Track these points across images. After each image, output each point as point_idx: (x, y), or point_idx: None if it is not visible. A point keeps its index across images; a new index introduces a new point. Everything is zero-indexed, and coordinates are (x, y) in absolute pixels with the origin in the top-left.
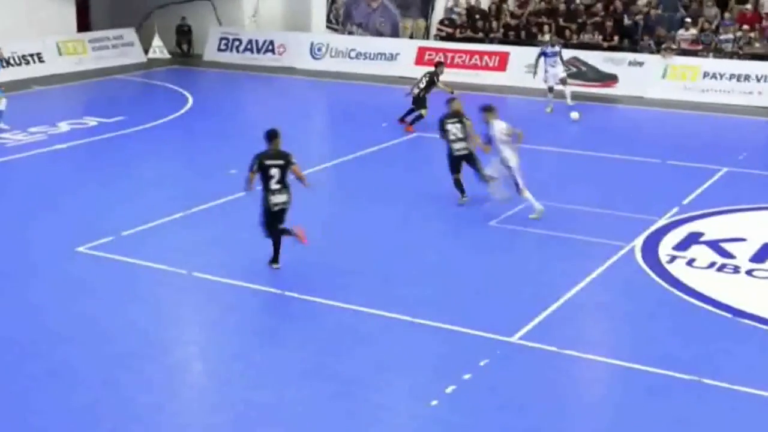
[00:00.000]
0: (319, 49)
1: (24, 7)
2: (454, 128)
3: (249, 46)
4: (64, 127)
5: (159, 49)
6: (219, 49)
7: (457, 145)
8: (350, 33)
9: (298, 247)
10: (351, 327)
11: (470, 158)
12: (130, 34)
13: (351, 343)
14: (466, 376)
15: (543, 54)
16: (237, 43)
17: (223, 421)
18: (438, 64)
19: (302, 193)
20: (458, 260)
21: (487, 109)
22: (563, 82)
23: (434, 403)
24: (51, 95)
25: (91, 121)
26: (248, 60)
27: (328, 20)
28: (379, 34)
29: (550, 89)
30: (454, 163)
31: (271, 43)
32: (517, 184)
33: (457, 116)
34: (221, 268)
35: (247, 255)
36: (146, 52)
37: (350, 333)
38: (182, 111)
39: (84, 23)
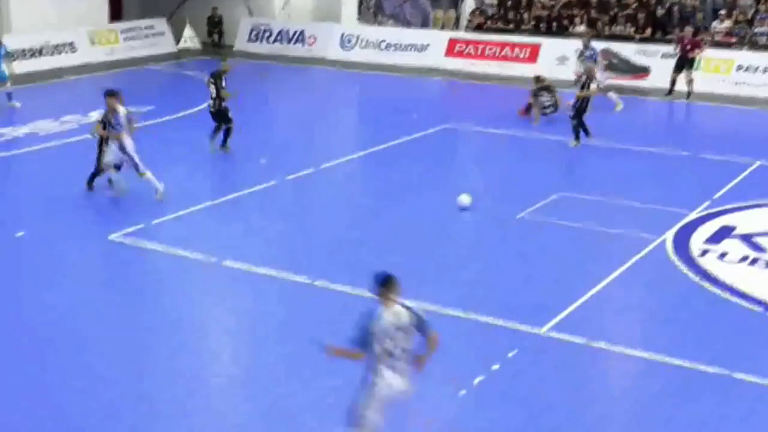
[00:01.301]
0: (350, 40)
1: None
2: None
3: (279, 37)
4: (95, 116)
5: (190, 39)
6: (249, 40)
7: None
8: (380, 24)
9: (329, 238)
10: None
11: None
12: (161, 24)
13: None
14: (495, 367)
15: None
16: (267, 33)
17: (254, 410)
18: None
19: (335, 186)
20: (488, 252)
21: (111, 95)
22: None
23: (462, 393)
24: (83, 85)
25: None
26: (278, 50)
27: (359, 11)
28: (410, 25)
29: (606, 89)
30: None
31: (302, 33)
32: (136, 166)
33: None
34: (251, 256)
35: (277, 244)
36: (177, 42)
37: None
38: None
39: (116, 13)
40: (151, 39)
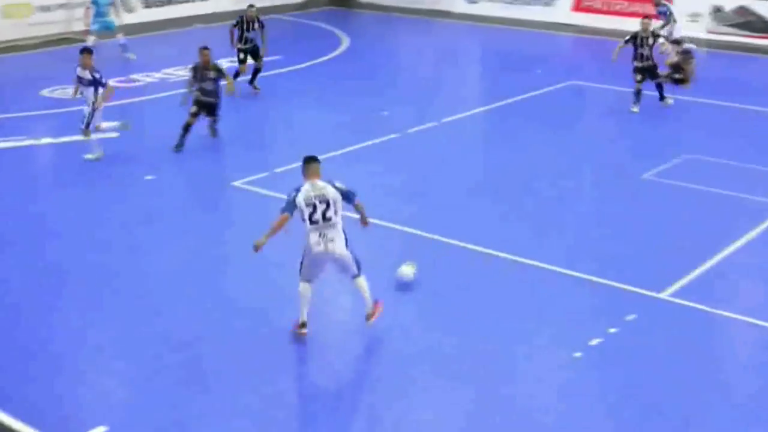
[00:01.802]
0: None
1: None
2: None
3: None
4: (224, 64)
5: None
6: None
7: None
8: None
9: (449, 192)
10: (500, 275)
11: None
12: None
13: (498, 291)
14: (612, 330)
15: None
16: None
17: (374, 369)
18: None
19: (457, 140)
20: (610, 212)
21: (85, 51)
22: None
23: (578, 354)
24: (211, 33)
25: (249, 59)
26: (404, 2)
27: None
28: None
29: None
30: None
31: None
32: (88, 125)
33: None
34: (371, 208)
35: (396, 196)
36: None
37: (498, 280)
38: (337, 52)
39: None
40: None
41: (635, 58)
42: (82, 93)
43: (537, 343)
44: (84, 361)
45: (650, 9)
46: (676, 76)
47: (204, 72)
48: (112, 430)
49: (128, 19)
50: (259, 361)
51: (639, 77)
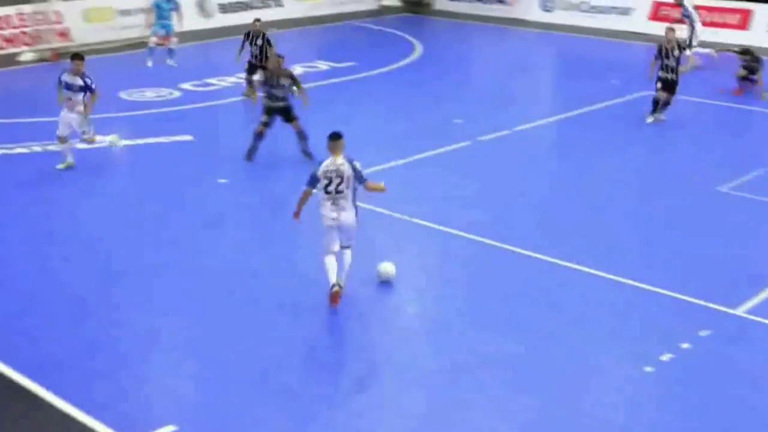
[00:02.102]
0: (550, 1)
1: None
2: None
3: None
4: (297, 69)
5: None
6: None
7: None
8: None
9: (521, 200)
10: (571, 285)
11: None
12: None
13: (569, 301)
14: (684, 346)
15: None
16: None
17: (440, 366)
18: None
19: (529, 149)
20: (685, 225)
21: (78, 57)
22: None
23: (648, 369)
24: (287, 38)
25: (323, 65)
26: (478, 10)
27: None
28: None
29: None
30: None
31: None
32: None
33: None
34: (442, 216)
35: (466, 204)
36: None
37: (569, 291)
38: (410, 59)
39: None
40: None
41: (660, 68)
42: (70, 99)
43: (607, 356)
44: (153, 360)
45: (731, 19)
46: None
47: (276, 78)
48: (182, 431)
49: (206, 24)
50: (328, 366)
51: (659, 85)
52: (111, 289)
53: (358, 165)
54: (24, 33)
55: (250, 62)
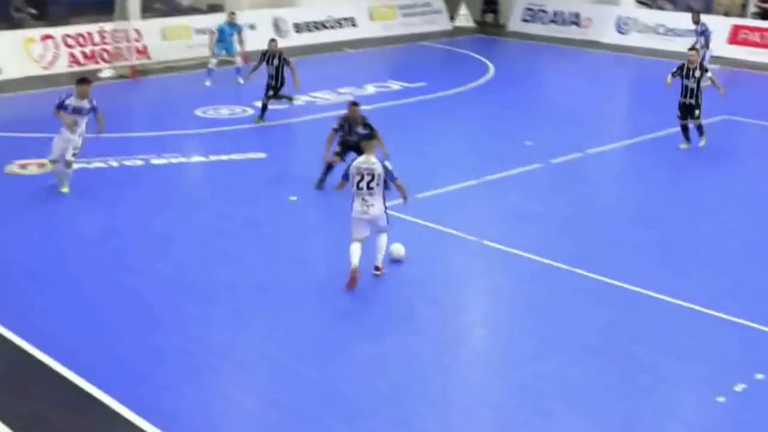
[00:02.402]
0: (626, 23)
1: None
2: None
3: (554, 18)
4: (369, 89)
5: (465, 17)
6: (524, 20)
7: None
8: (661, 8)
9: (600, 227)
10: (641, 310)
11: None
12: (438, 1)
13: (638, 327)
14: (759, 376)
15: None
16: (542, 14)
17: (506, 389)
18: None
19: (601, 172)
20: (761, 253)
21: (86, 81)
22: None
23: (721, 399)
24: (360, 58)
25: (395, 85)
26: (553, 32)
27: None
28: (690, 10)
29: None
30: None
31: (577, 15)
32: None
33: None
34: (512, 238)
35: (538, 227)
36: (452, 19)
37: (639, 316)
38: (483, 80)
39: None
40: (427, 16)
41: (681, 93)
42: (76, 123)
43: (678, 384)
44: (222, 375)
45: None
46: None
47: (352, 126)
48: None
49: (281, 43)
50: (396, 389)
51: (679, 114)
52: (181, 302)
53: (389, 165)
54: (104, 50)
55: (268, 84)
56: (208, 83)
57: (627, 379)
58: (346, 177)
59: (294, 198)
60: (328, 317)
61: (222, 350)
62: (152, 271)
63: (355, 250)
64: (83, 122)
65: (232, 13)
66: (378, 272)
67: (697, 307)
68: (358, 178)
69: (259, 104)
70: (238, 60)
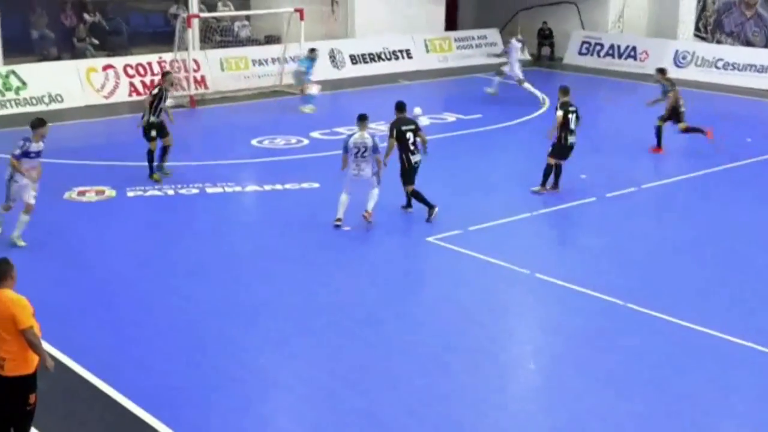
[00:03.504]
0: (684, 57)
1: (400, 5)
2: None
3: (611, 51)
4: (424, 120)
5: (521, 50)
6: (580, 53)
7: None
8: (719, 42)
9: (654, 262)
10: (694, 346)
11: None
12: (494, 34)
13: (691, 364)
14: None
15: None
16: (598, 47)
17: (554, 423)
18: None
19: (655, 208)
20: None
21: (44, 122)
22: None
23: None
24: (415, 90)
25: (450, 117)
26: (610, 65)
27: (697, 28)
28: (750, 44)
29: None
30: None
31: (634, 49)
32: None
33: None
34: (564, 271)
35: (590, 261)
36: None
37: (692, 353)
38: (538, 113)
39: (451, 22)
40: (483, 48)
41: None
42: (34, 167)
43: (730, 423)
44: (269, 400)
45: None
46: None
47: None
48: None
49: (337, 74)
50: (449, 422)
51: None
52: (228, 327)
53: (376, 140)
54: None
55: (151, 123)
56: (308, 109)
57: (677, 415)
58: (344, 150)
59: (347, 228)
60: (376, 346)
61: (267, 375)
62: (201, 294)
63: (343, 202)
64: (34, 164)
65: (313, 50)
66: (367, 215)
67: (753, 345)
68: (354, 150)
69: (315, 134)
70: (314, 89)
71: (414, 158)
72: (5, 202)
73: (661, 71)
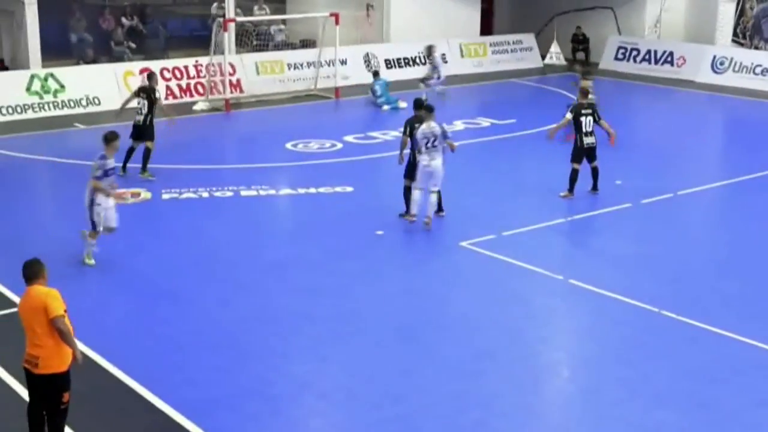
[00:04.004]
0: (722, 63)
1: (435, 9)
2: None
3: (647, 57)
4: (459, 125)
5: (556, 55)
6: (616, 58)
7: None
8: (757, 48)
9: (680, 267)
10: (729, 356)
11: None
12: (529, 39)
13: (727, 373)
14: None
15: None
16: (635, 52)
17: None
18: None
19: (692, 214)
20: None
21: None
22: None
23: None
24: (450, 94)
25: (485, 122)
26: (645, 70)
27: (734, 33)
28: None
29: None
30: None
31: (671, 54)
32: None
33: None
34: (598, 278)
35: (625, 267)
36: (543, 57)
37: (728, 362)
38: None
39: (487, 27)
40: (518, 54)
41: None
42: (112, 185)
43: None
44: (304, 406)
45: None
46: None
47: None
48: None
49: (371, 78)
50: (472, 427)
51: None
52: (263, 332)
53: (447, 127)
54: (199, 83)
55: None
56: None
57: (712, 424)
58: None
59: (380, 232)
60: (410, 352)
61: (302, 381)
62: (236, 300)
63: (416, 199)
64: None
65: (377, 72)
66: (428, 222)
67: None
68: (425, 141)
69: (349, 138)
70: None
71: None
72: (92, 229)
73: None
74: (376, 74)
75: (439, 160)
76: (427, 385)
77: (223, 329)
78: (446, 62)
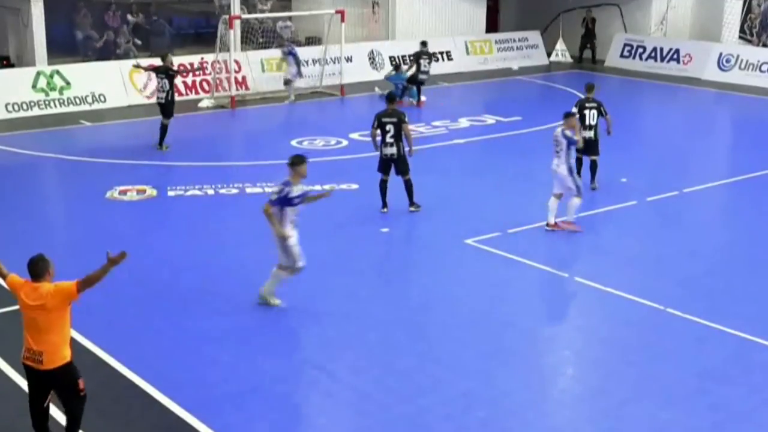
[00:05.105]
0: (728, 60)
1: (441, 7)
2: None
3: (653, 54)
4: (464, 123)
5: (562, 52)
6: (622, 56)
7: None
8: (764, 45)
9: (686, 264)
10: (740, 356)
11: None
12: (535, 36)
13: (736, 372)
14: None
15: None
16: (641, 50)
17: (595, 431)
18: None
19: (697, 212)
20: None
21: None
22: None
23: None
24: (455, 92)
25: (490, 119)
26: (651, 68)
27: (741, 30)
28: None
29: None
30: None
31: (677, 51)
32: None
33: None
34: (604, 276)
35: (630, 265)
36: (549, 55)
37: (739, 362)
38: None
39: (493, 24)
40: (524, 51)
41: None
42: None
43: None
44: (310, 406)
45: None
46: None
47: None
48: None
49: (376, 76)
50: (480, 426)
51: None
52: (274, 331)
53: (569, 133)
54: (205, 80)
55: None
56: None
57: (721, 425)
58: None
59: (386, 229)
60: (417, 351)
61: (310, 380)
62: (243, 297)
63: (553, 207)
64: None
65: (398, 66)
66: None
67: None
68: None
69: (354, 135)
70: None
71: (386, 150)
72: (291, 264)
73: None
74: (397, 68)
75: (563, 168)
76: (435, 383)
77: (230, 327)
78: (452, 59)
